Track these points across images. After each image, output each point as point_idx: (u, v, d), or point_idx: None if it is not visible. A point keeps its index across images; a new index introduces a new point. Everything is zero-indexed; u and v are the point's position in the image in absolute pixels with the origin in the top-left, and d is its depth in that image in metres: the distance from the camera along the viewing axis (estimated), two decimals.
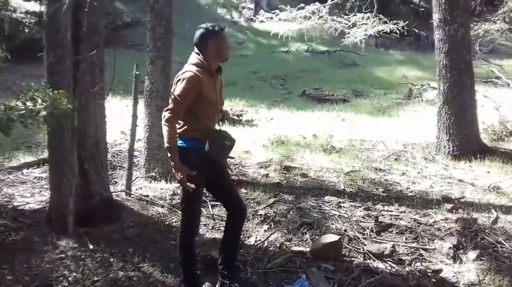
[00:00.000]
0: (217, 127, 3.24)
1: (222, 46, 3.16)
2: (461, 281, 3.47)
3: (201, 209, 3.24)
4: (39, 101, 3.26)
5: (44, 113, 3.23)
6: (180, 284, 3.29)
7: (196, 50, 3.16)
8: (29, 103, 3.24)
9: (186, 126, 3.09)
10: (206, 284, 3.26)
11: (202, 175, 3.10)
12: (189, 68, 3.09)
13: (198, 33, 3.15)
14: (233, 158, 3.63)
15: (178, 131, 3.08)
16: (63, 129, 3.71)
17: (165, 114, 3.05)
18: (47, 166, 5.08)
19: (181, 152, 3.05)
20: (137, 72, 4.79)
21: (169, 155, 3.06)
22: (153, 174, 5.30)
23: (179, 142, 3.08)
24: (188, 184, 3.01)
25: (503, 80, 11.40)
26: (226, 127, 8.35)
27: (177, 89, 3.05)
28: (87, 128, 3.98)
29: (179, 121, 3.09)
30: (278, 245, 3.91)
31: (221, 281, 3.27)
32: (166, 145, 3.04)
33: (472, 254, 3.77)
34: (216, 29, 3.15)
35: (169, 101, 3.12)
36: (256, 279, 3.41)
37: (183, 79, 3.04)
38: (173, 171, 3.10)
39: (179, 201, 4.54)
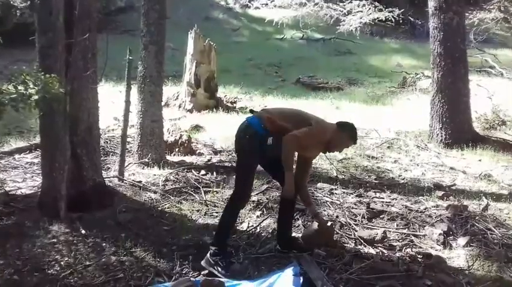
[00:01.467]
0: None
1: (342, 146, 3.53)
2: (451, 266, 3.50)
3: (252, 185, 3.58)
4: (31, 85, 3.23)
5: (35, 97, 3.20)
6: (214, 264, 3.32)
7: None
8: (20, 87, 3.20)
9: (275, 125, 3.34)
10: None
11: (259, 156, 3.39)
12: (324, 127, 3.44)
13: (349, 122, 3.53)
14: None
15: (269, 123, 3.34)
16: (55, 114, 3.69)
17: (290, 138, 3.26)
18: (39, 151, 5.07)
19: (250, 127, 3.36)
20: (130, 57, 4.76)
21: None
22: (146, 160, 5.29)
23: (257, 123, 3.36)
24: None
25: (497, 70, 11.45)
26: (219, 114, 8.35)
27: (309, 130, 3.31)
28: (79, 113, 3.95)
29: (280, 124, 3.35)
30: (270, 231, 3.93)
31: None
32: (289, 166, 3.35)
33: (462, 241, 3.82)
34: (355, 138, 3.48)
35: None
36: (248, 264, 3.43)
37: (316, 130, 3.34)
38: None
39: (177, 186, 4.57)
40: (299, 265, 3.27)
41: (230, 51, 14.18)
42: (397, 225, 4.13)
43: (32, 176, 4.87)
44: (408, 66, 13.09)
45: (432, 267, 3.45)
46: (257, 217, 4.19)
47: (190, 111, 8.44)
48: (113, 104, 7.33)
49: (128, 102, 4.83)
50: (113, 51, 4.45)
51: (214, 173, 5.18)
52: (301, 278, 3.07)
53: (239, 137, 3.40)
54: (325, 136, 3.40)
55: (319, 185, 4.90)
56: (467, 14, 10.00)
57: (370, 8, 12.14)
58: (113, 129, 6.75)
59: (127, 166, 5.14)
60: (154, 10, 5.27)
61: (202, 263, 3.32)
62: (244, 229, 3.97)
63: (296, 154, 3.53)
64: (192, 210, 4.29)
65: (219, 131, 6.86)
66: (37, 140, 5.45)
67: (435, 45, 6.75)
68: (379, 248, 3.72)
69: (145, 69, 5.30)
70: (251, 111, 3.70)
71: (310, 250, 3.56)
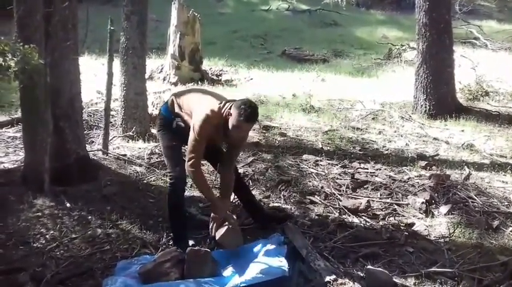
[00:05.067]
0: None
1: (233, 128, 3.05)
2: (432, 234, 3.59)
3: (184, 160, 3.28)
4: (9, 56, 3.14)
5: (14, 68, 3.12)
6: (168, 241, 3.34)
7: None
8: None
9: (177, 110, 3.29)
10: (189, 242, 3.29)
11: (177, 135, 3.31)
12: (209, 111, 3.07)
13: (244, 98, 3.18)
14: None
15: (173, 106, 3.32)
16: (36, 87, 3.61)
17: (188, 165, 3.12)
18: (20, 126, 4.98)
19: (159, 114, 3.44)
20: (112, 28, 4.64)
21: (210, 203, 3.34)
22: (131, 133, 5.25)
23: (163, 107, 3.40)
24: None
25: (481, 41, 11.49)
26: (205, 87, 8.28)
27: (192, 134, 3.08)
28: (60, 85, 3.87)
29: (178, 105, 3.29)
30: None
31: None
32: (203, 193, 3.34)
33: (444, 209, 3.89)
34: (242, 114, 2.98)
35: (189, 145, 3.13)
36: None
37: (200, 123, 3.05)
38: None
39: (162, 159, 4.56)
40: (283, 234, 3.31)
41: (215, 23, 13.97)
42: (380, 195, 4.19)
43: (15, 151, 4.81)
44: (394, 38, 13.05)
45: (414, 235, 3.52)
46: None
47: (175, 84, 8.34)
48: (96, 77, 7.21)
49: (110, 75, 4.74)
50: (95, 23, 4.36)
51: None
52: (285, 246, 3.11)
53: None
54: (218, 121, 3.11)
55: (304, 156, 4.93)
56: None
57: None
58: (96, 103, 6.64)
59: (111, 139, 5.09)
60: None
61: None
62: (231, 200, 3.98)
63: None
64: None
65: None
66: (19, 114, 5.34)
67: (420, 16, 6.72)
68: (363, 217, 3.78)
69: (127, 41, 5.19)
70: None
71: (290, 217, 3.59)
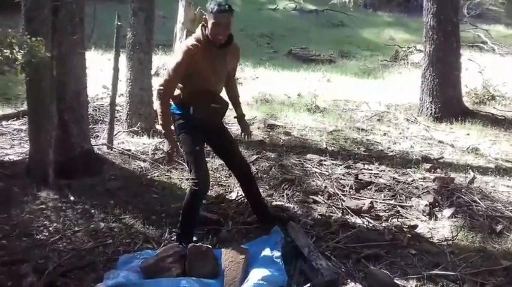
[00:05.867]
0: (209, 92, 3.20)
1: (209, 27, 2.99)
2: (435, 236, 3.57)
3: (206, 165, 3.30)
4: (17, 48, 3.15)
5: (21, 60, 3.13)
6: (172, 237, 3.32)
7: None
8: (6, 50, 3.13)
9: (178, 93, 3.14)
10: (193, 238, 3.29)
11: (196, 136, 3.18)
12: (188, 41, 3.06)
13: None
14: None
15: (173, 96, 3.16)
16: (42, 80, 3.63)
17: (157, 89, 3.07)
18: (26, 118, 5.00)
19: (173, 117, 3.19)
20: (119, 23, 4.65)
21: (162, 131, 3.17)
22: (135, 128, 5.26)
23: (173, 107, 3.19)
24: (173, 157, 3.21)
25: (489, 45, 11.45)
26: None
27: (169, 62, 3.04)
28: (66, 79, 3.89)
29: (177, 90, 3.14)
30: None
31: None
32: (159, 121, 3.14)
33: (447, 212, 3.87)
34: (212, 5, 2.95)
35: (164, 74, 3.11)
36: (236, 232, 3.47)
37: (176, 53, 3.02)
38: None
39: (163, 155, 4.57)
40: (282, 232, 3.29)
41: None
42: (384, 196, 4.18)
43: (20, 143, 4.83)
44: (401, 40, 13.03)
45: (417, 237, 3.51)
46: None
47: None
48: (102, 72, 7.22)
49: (116, 70, 4.75)
50: (102, 19, 4.37)
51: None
52: (280, 245, 3.09)
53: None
54: (202, 45, 3.02)
55: (308, 156, 4.92)
56: None
57: None
58: (101, 98, 6.65)
59: (116, 134, 5.10)
60: None
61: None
62: (233, 197, 3.99)
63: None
64: (182, 179, 4.29)
65: None
66: (24, 107, 5.37)
67: (428, 18, 6.69)
68: (366, 218, 3.77)
69: (134, 36, 5.20)
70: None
71: (291, 219, 3.55)
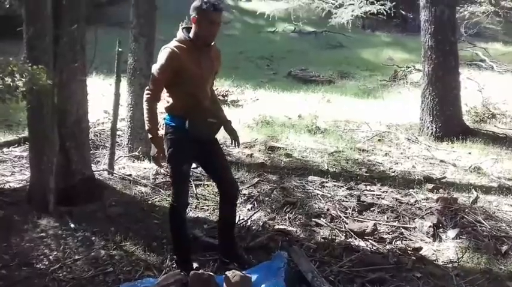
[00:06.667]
0: (207, 104, 3.17)
1: (203, 26, 2.99)
2: (440, 258, 3.53)
3: (189, 185, 3.24)
4: (18, 76, 3.17)
5: (22, 88, 3.15)
6: (171, 263, 3.29)
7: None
8: (7, 78, 3.15)
9: (170, 103, 3.09)
10: (193, 264, 3.25)
11: (187, 153, 3.10)
12: (170, 44, 3.04)
13: (193, 3, 3.02)
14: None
15: (166, 107, 3.11)
16: (43, 107, 3.65)
17: (144, 94, 3.05)
18: (27, 145, 5.00)
19: (166, 128, 3.11)
20: (120, 49, 4.70)
21: (149, 136, 3.08)
22: (136, 153, 5.25)
23: (166, 118, 3.12)
24: (160, 161, 3.09)
25: (487, 63, 11.51)
26: None
27: (154, 66, 3.03)
28: (68, 105, 3.90)
29: (168, 99, 3.08)
30: (261, 224, 3.92)
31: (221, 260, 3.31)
32: (146, 126, 3.07)
33: (452, 233, 3.84)
34: (206, 5, 2.94)
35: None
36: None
37: (159, 56, 3.00)
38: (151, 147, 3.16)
39: (168, 180, 4.55)
40: (285, 257, 3.25)
41: (221, 44, 13.80)
42: (387, 218, 4.14)
43: (21, 170, 4.82)
44: (399, 60, 13.11)
45: (422, 259, 3.47)
46: (248, 210, 4.19)
47: None
48: (103, 97, 7.26)
49: (117, 95, 4.78)
50: (103, 44, 4.40)
51: None
52: (283, 270, 3.05)
53: None
54: (186, 45, 3.00)
55: (310, 178, 4.90)
56: (458, 8, 10.03)
57: (361, 1, 12.11)
58: (103, 123, 6.68)
59: (117, 159, 5.10)
60: (144, 1, 5.21)
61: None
62: (235, 221, 3.95)
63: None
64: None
65: None
66: (26, 133, 5.37)
67: (426, 38, 6.75)
68: (369, 240, 3.73)
69: (135, 62, 5.24)
70: None
71: (248, 263, 3.31)
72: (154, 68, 3.04)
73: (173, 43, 3.03)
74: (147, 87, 3.07)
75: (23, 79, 3.17)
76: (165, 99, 3.11)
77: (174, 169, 3.14)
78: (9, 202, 3.98)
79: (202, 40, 3.04)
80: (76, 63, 3.82)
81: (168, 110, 3.12)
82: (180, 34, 3.07)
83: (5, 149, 5.41)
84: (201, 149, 3.16)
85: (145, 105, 3.05)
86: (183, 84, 3.03)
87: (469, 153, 6.06)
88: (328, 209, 4.21)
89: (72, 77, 3.87)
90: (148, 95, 3.03)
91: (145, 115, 3.06)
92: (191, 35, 3.04)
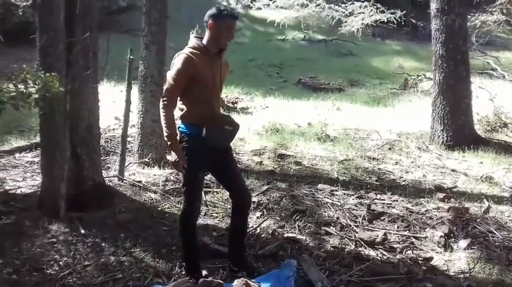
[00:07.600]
0: (219, 111, 3.19)
1: (222, 32, 3.03)
2: (451, 269, 3.49)
3: (202, 194, 3.21)
4: (31, 83, 3.22)
5: (35, 96, 3.19)
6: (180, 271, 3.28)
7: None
8: (20, 86, 3.19)
9: (185, 111, 3.08)
10: (202, 272, 3.24)
11: (202, 161, 3.09)
12: (184, 50, 3.06)
13: (208, 11, 3.07)
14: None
15: (180, 115, 3.10)
16: (55, 113, 3.68)
17: (160, 102, 3.06)
18: (39, 150, 5.05)
19: (181, 136, 3.09)
20: (131, 57, 4.74)
21: (168, 142, 3.05)
22: (147, 160, 5.28)
23: (181, 126, 3.11)
24: (181, 167, 3.03)
25: (499, 72, 11.42)
26: None
27: (169, 73, 3.04)
28: (79, 112, 3.94)
29: (181, 106, 3.08)
30: (270, 232, 3.91)
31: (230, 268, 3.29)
32: (164, 133, 3.04)
33: (463, 243, 3.79)
34: (224, 12, 3.01)
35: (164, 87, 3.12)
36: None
37: (175, 63, 3.02)
38: (169, 153, 3.12)
39: (177, 186, 4.56)
40: (295, 266, 3.24)
41: (232, 52, 14.05)
42: (397, 227, 4.11)
43: (32, 175, 4.86)
44: (410, 68, 13.07)
45: (433, 270, 3.43)
46: (257, 217, 4.18)
47: None
48: (114, 104, 7.32)
49: (128, 102, 4.82)
50: (115, 51, 4.45)
51: None
52: (293, 279, 3.04)
53: None
54: (201, 52, 3.02)
55: (319, 186, 4.88)
56: (469, 16, 9.99)
57: (372, 10, 12.11)
58: (113, 129, 6.73)
59: (127, 165, 5.12)
60: (155, 9, 5.26)
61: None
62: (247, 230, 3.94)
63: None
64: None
65: None
66: (38, 139, 5.43)
67: (437, 47, 6.72)
68: (380, 250, 3.70)
69: (146, 69, 5.29)
70: None
71: (256, 271, 3.28)
72: (170, 74, 3.04)
73: (187, 49, 3.06)
74: (163, 94, 3.07)
75: (36, 86, 3.22)
76: (179, 108, 3.11)
77: (189, 177, 3.11)
78: (21, 208, 4.02)
79: (218, 46, 3.08)
80: (88, 70, 3.86)
81: (183, 118, 3.10)
82: (193, 41, 3.10)
83: (17, 155, 5.47)
84: (215, 157, 3.15)
85: (162, 112, 3.03)
86: (197, 90, 3.03)
87: (481, 162, 6.00)
88: (338, 218, 4.18)
89: (85, 84, 3.91)
90: (165, 102, 3.02)
91: (163, 122, 3.03)
92: (204, 42, 3.07)
